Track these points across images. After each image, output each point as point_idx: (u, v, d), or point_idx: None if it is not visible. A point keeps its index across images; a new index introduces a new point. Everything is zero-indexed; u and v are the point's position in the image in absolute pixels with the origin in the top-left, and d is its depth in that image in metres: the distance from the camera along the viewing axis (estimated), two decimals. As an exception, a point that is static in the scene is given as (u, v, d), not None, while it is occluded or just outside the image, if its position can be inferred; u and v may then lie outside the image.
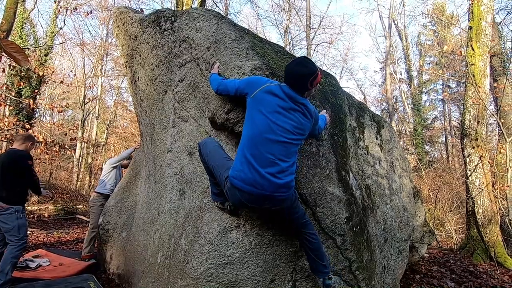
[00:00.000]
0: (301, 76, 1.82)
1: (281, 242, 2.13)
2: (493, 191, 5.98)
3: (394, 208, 3.28)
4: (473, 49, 6.16)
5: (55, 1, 12.17)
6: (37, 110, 12.89)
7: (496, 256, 5.37)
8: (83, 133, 17.81)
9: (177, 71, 2.90)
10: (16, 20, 9.69)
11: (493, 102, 9.48)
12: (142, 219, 3.31)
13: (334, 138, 2.56)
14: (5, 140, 7.34)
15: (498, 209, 5.99)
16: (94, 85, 18.70)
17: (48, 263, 4.04)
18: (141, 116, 3.79)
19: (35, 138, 4.23)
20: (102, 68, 19.76)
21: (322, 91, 2.67)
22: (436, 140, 21.57)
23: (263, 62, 2.31)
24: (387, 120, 4.85)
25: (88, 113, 19.49)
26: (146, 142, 3.67)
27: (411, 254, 4.07)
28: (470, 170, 6.05)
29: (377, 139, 3.47)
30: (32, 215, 8.60)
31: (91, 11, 9.83)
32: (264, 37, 3.67)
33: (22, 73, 9.77)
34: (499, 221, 5.94)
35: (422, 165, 10.91)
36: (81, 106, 17.69)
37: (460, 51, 6.81)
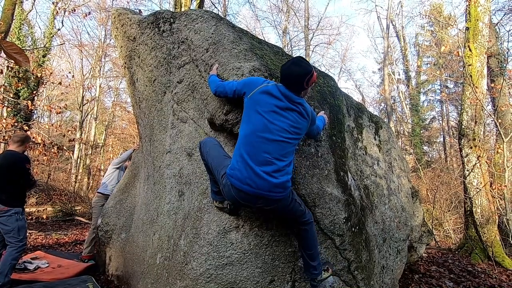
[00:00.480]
0: (297, 75, 1.84)
1: (280, 243, 2.13)
2: (490, 191, 6.01)
3: (393, 208, 3.30)
4: (470, 50, 6.20)
5: (53, 3, 12.16)
6: (35, 112, 12.85)
7: (494, 256, 5.39)
8: (81, 135, 17.75)
9: (176, 72, 2.91)
10: (14, 21, 9.68)
11: (491, 103, 9.54)
12: (141, 220, 3.31)
13: (333, 138, 2.57)
14: (3, 141, 7.31)
15: (496, 208, 6.03)
16: (93, 86, 18.64)
17: (47, 265, 4.03)
18: (140, 117, 3.79)
19: (32, 139, 4.22)
20: (100, 69, 19.71)
21: (320, 92, 2.68)
22: (434, 140, 21.66)
23: (261, 64, 2.32)
24: (385, 120, 4.87)
25: (86, 114, 19.44)
26: (145, 143, 3.67)
27: (410, 254, 4.08)
28: (468, 170, 6.08)
29: (375, 139, 3.48)
30: (30, 217, 8.56)
31: (89, 13, 9.79)
32: (263, 38, 3.68)
33: (20, 74, 9.74)
34: (497, 221, 5.97)
35: (420, 165, 10.96)
36: (79, 107, 17.64)
37: (458, 52, 6.84)
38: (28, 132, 6.99)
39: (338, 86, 3.04)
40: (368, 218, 2.79)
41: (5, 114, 10.15)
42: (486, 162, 6.15)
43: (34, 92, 10.38)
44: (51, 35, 12.20)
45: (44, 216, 8.89)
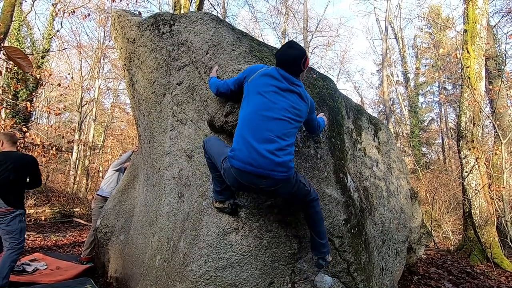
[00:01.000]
0: (294, 58, 1.89)
1: (280, 245, 2.14)
2: (489, 192, 6.04)
3: (392, 210, 3.30)
4: (468, 52, 6.23)
5: (52, 4, 12.16)
6: (34, 113, 12.83)
7: (493, 257, 5.40)
8: (80, 136, 17.70)
9: (175, 74, 2.91)
10: (13, 22, 9.67)
11: (489, 104, 9.59)
12: (140, 222, 3.30)
13: (332, 140, 2.58)
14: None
15: (494, 210, 6.04)
16: (91, 87, 18.60)
17: (45, 266, 4.01)
18: (139, 119, 3.79)
19: (31, 140, 4.21)
20: (99, 70, 19.70)
21: (319, 94, 2.69)
22: (433, 142, 21.73)
23: (261, 65, 2.33)
24: (384, 122, 4.89)
25: (85, 116, 19.40)
26: (145, 145, 3.66)
27: (409, 256, 4.09)
28: (466, 172, 6.10)
29: (374, 141, 3.49)
30: (29, 219, 8.51)
31: (89, 14, 9.79)
32: (262, 40, 3.69)
33: (19, 76, 9.72)
34: (495, 222, 5.99)
35: (419, 167, 10.99)
36: (78, 109, 17.61)
37: (456, 54, 6.88)
38: (27, 134, 6.97)
39: (337, 88, 3.05)
40: (368, 219, 2.79)
41: (3, 116, 10.12)
42: (484, 163, 6.17)
43: (33, 93, 10.38)
44: (50, 36, 12.21)
45: (43, 218, 8.84)
